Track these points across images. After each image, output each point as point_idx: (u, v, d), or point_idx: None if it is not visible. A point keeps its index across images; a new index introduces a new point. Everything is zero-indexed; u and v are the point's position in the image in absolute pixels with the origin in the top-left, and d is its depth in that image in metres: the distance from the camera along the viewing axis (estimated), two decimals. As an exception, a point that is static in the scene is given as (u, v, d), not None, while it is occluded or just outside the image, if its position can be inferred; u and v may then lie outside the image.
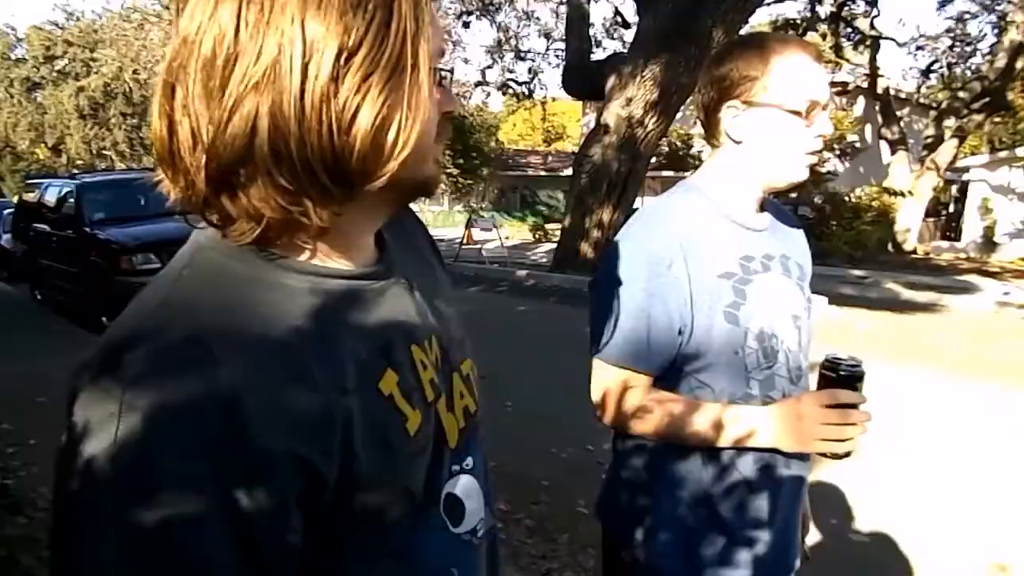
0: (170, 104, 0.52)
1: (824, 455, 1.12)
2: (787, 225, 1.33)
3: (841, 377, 1.10)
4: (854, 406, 1.11)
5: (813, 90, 1.14)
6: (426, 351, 0.67)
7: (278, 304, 0.56)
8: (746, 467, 1.20)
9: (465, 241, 14.07)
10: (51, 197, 8.85)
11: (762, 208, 1.27)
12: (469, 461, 0.72)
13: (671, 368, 1.20)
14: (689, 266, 1.16)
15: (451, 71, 0.62)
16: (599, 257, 1.21)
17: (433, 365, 0.67)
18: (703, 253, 1.17)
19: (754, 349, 1.19)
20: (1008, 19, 15.63)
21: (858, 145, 17.86)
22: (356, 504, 0.56)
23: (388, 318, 0.64)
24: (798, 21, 16.36)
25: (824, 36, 17.14)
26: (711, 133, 1.24)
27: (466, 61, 42.49)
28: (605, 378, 1.23)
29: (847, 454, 1.12)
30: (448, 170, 26.72)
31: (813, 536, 2.93)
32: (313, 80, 0.50)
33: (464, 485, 0.70)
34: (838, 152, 16.74)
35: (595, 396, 1.25)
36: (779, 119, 1.15)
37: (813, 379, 1.18)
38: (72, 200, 8.14)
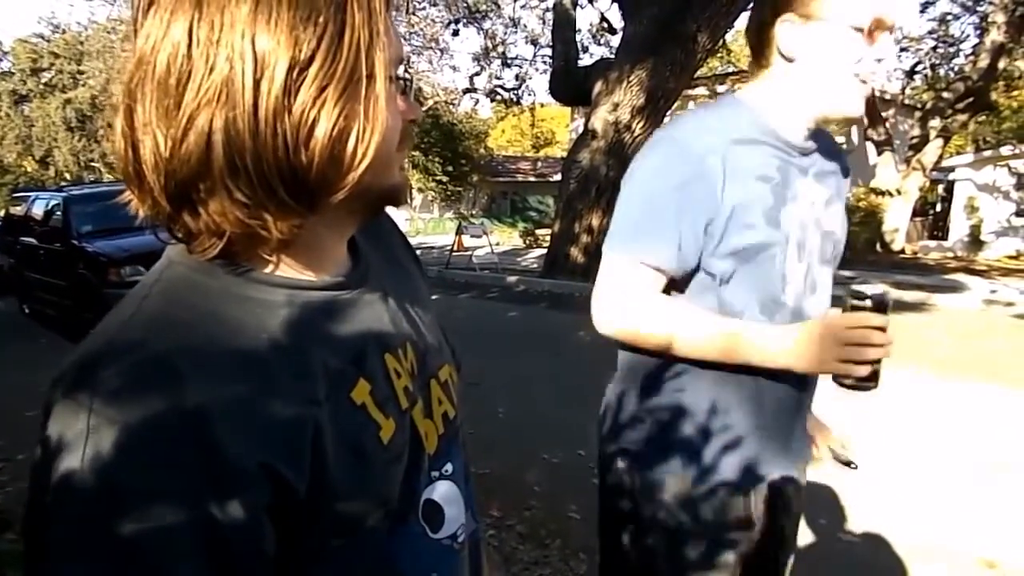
0: (130, 124, 0.53)
1: (843, 384, 1.10)
2: (831, 149, 1.26)
3: (866, 306, 1.06)
4: (882, 329, 1.05)
5: (880, 5, 1.05)
6: (400, 359, 0.67)
7: (247, 318, 0.56)
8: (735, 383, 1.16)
9: (455, 248, 14.06)
10: (38, 210, 8.79)
11: (812, 137, 1.19)
12: (448, 467, 0.72)
13: (697, 274, 1.13)
14: (728, 166, 1.09)
15: (409, 79, 0.62)
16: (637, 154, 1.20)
17: (408, 373, 0.67)
18: (742, 157, 1.11)
19: (794, 253, 1.14)
20: (989, 20, 15.79)
21: (845, 146, 17.96)
22: (330, 512, 0.57)
23: (360, 328, 0.64)
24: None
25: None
26: (761, 52, 1.15)
27: (454, 68, 42.54)
28: (610, 268, 1.16)
29: (870, 382, 1.09)
30: (438, 177, 26.74)
31: (804, 536, 2.95)
32: (266, 94, 0.50)
33: (443, 491, 0.71)
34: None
35: (595, 292, 1.18)
36: (839, 35, 1.05)
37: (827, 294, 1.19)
38: (59, 213, 8.09)
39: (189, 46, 0.50)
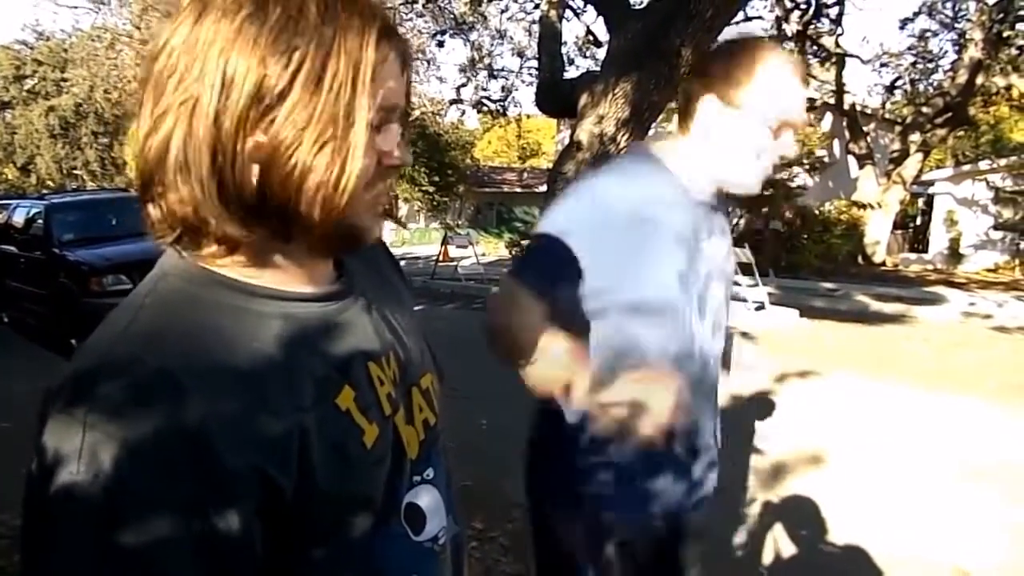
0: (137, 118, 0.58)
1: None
2: (722, 200, 1.38)
3: None
4: None
5: (788, 110, 1.18)
6: (383, 367, 0.69)
7: (239, 329, 0.58)
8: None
9: (441, 258, 14.05)
10: (19, 218, 8.69)
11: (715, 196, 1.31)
12: (430, 472, 0.74)
13: (604, 310, 1.24)
14: (644, 232, 1.20)
15: (403, 127, 0.64)
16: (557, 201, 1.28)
17: (391, 380, 0.70)
18: (659, 220, 1.22)
19: (696, 309, 1.27)
20: (967, 37, 16.09)
21: (827, 160, 18.19)
22: (316, 514, 0.59)
23: (346, 337, 0.66)
24: (765, 39, 16.65)
25: (791, 53, 17.48)
26: (685, 117, 1.27)
27: (441, 79, 42.59)
28: (501, 288, 1.30)
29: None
30: (424, 187, 26.72)
31: (784, 547, 2.97)
32: (230, 113, 0.53)
33: (424, 494, 0.73)
34: (807, 167, 17.03)
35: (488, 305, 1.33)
36: (750, 127, 1.19)
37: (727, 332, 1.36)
38: (40, 221, 8.00)
39: (180, 53, 0.54)
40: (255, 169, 0.55)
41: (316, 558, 0.60)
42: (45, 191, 17.83)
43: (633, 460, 1.27)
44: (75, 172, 30.36)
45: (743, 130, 1.19)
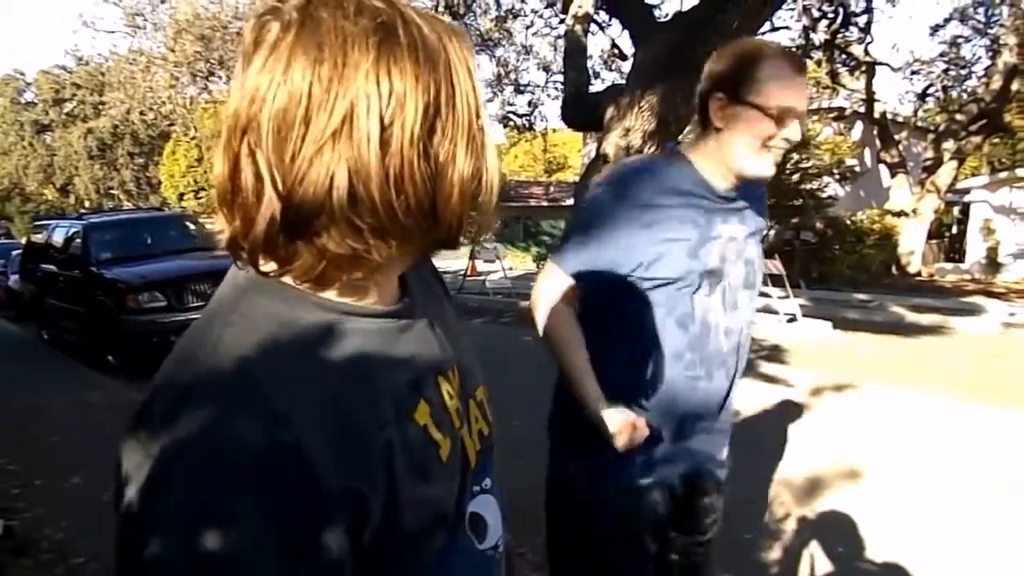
0: (236, 150, 0.55)
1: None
2: (755, 193, 1.52)
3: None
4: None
5: (789, 99, 1.31)
6: (451, 381, 0.71)
7: (322, 347, 0.59)
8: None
9: (469, 273, 14.11)
10: (58, 238, 8.95)
11: (735, 188, 1.45)
12: (487, 481, 0.77)
13: (625, 285, 1.41)
14: (660, 226, 1.38)
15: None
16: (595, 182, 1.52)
17: (457, 394, 0.72)
18: (675, 212, 1.40)
19: (705, 281, 1.42)
20: (1001, 42, 15.78)
21: (858, 169, 17.93)
22: (398, 529, 0.60)
23: (417, 352, 0.68)
24: (794, 49, 16.53)
25: (819, 63, 17.34)
26: (702, 117, 1.42)
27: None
28: (546, 274, 1.49)
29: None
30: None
31: (820, 563, 2.91)
32: (399, 131, 0.54)
33: (485, 503, 0.75)
34: (838, 176, 16.80)
35: (534, 288, 1.51)
36: (755, 117, 1.32)
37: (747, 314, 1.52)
38: (79, 240, 8.23)
39: (311, 84, 0.52)
40: (423, 188, 0.56)
41: (394, 571, 0.61)
42: (83, 211, 18.30)
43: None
44: (112, 192, 31.17)
45: (749, 121, 1.33)
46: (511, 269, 16.70)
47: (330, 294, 0.62)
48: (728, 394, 1.54)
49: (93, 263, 7.79)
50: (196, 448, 0.50)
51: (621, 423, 1.32)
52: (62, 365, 7.69)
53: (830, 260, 15.31)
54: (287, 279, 0.60)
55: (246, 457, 0.50)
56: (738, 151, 1.36)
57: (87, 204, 29.49)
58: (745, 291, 1.50)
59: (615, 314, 1.45)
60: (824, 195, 16.51)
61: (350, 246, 0.56)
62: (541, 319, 1.47)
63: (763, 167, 1.36)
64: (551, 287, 1.46)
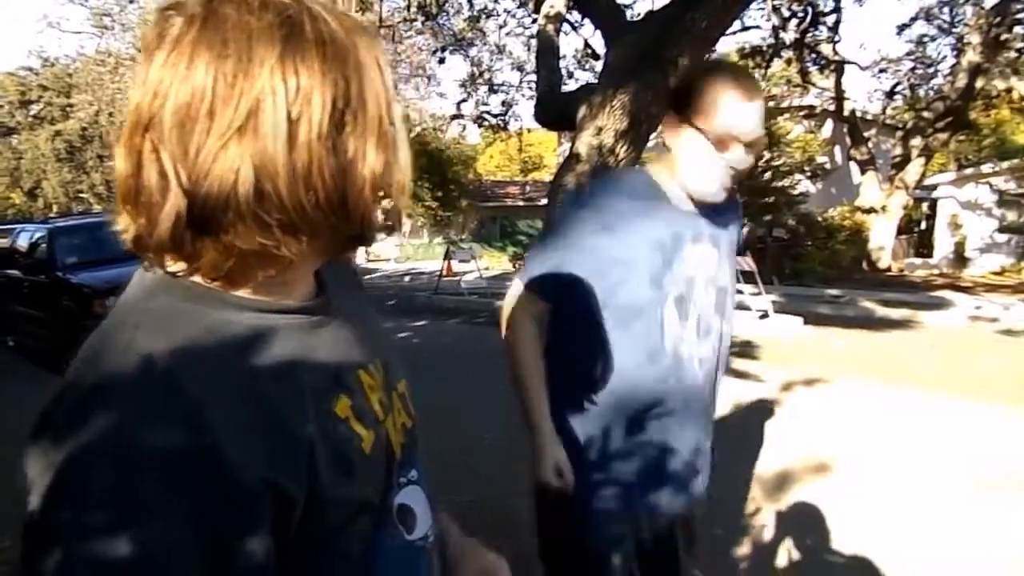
0: (138, 148, 0.54)
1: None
2: (726, 205, 1.46)
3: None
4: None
5: (733, 126, 1.30)
6: (372, 374, 0.72)
7: (237, 344, 0.58)
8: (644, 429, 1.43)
9: (444, 273, 14.07)
10: (23, 242, 8.75)
11: (705, 206, 1.42)
12: (413, 472, 0.77)
13: (590, 312, 1.38)
14: (624, 232, 1.36)
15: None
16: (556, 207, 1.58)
17: (380, 386, 0.72)
18: (639, 224, 1.37)
19: (672, 309, 1.39)
20: (965, 41, 16.10)
21: (828, 167, 18.19)
22: (322, 522, 0.60)
23: (337, 346, 0.68)
24: (764, 48, 16.72)
25: (789, 62, 17.55)
26: (661, 135, 1.45)
27: (442, 95, 42.89)
28: (513, 293, 1.48)
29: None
30: (427, 203, 26.83)
31: (789, 557, 2.93)
32: (306, 126, 0.53)
33: (413, 495, 0.75)
34: (809, 174, 17.02)
35: (503, 307, 1.50)
36: (698, 140, 1.32)
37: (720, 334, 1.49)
38: (44, 245, 8.06)
39: (215, 80, 0.52)
40: (332, 183, 0.56)
41: (317, 565, 0.61)
42: (51, 215, 17.95)
43: (606, 464, 1.42)
44: (81, 195, 30.62)
45: (693, 143, 1.33)
46: (487, 269, 16.68)
47: (243, 292, 0.61)
48: (706, 421, 1.51)
49: (59, 268, 7.63)
50: (105, 452, 0.49)
51: (551, 468, 1.37)
52: (26, 372, 7.53)
53: (802, 256, 15.51)
54: (196, 278, 0.59)
55: (160, 459, 0.49)
56: (685, 172, 1.36)
57: (56, 208, 28.95)
58: (716, 317, 1.47)
59: (582, 343, 1.42)
60: (795, 192, 16.71)
61: (258, 242, 0.55)
62: (510, 344, 1.46)
63: (710, 190, 1.35)
64: (520, 312, 1.46)
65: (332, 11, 0.57)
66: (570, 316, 1.43)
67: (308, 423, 0.59)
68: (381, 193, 0.60)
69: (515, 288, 1.47)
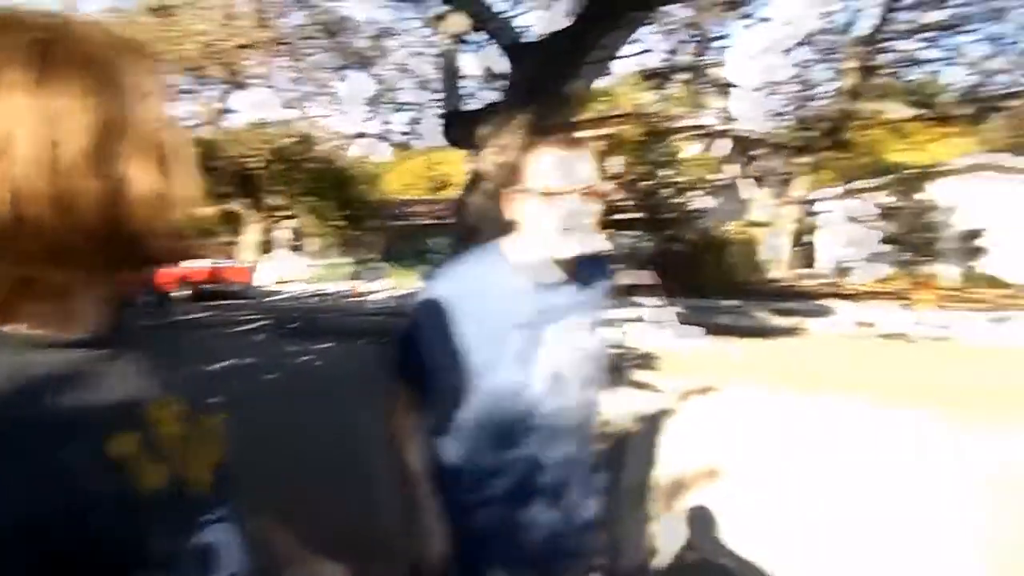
0: None
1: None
2: (591, 270, 1.46)
3: None
4: None
5: (554, 179, 1.31)
6: (165, 408, 0.68)
7: (3, 380, 0.54)
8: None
9: (351, 294, 13.81)
10: None
11: (565, 272, 1.40)
12: (221, 510, 0.72)
13: (457, 398, 1.37)
14: (484, 318, 1.35)
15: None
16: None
17: (174, 420, 0.68)
18: (499, 307, 1.36)
19: (541, 388, 1.37)
20: (843, 66, 17.33)
21: (722, 184, 19.08)
22: (97, 564, 0.56)
23: (125, 380, 0.65)
24: (661, 71, 17.42)
25: (685, 83, 18.36)
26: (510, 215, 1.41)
27: (345, 113, 42.26)
28: (389, 386, 1.49)
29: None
30: (333, 222, 26.32)
31: (685, 561, 3.01)
32: (61, 152, 0.51)
33: (220, 533, 0.71)
34: (704, 191, 17.80)
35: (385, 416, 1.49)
36: (527, 202, 1.34)
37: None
38: None
39: None
40: (99, 208, 0.54)
41: None
42: None
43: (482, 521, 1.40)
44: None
45: (530, 207, 1.34)
46: (394, 288, 16.50)
47: (15, 327, 0.57)
48: (583, 485, 1.49)
49: None
50: None
51: (436, 555, 1.36)
52: None
53: (701, 270, 16.15)
54: None
55: None
56: (533, 238, 1.35)
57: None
58: (587, 388, 1.46)
59: (453, 417, 1.42)
60: (692, 208, 17.43)
61: (20, 272, 0.53)
62: (394, 447, 1.47)
63: (560, 248, 1.34)
64: (398, 415, 1.47)
65: (99, 30, 0.55)
66: (444, 410, 1.43)
67: (79, 459, 0.56)
68: (165, 212, 0.58)
69: (392, 403, 1.49)
